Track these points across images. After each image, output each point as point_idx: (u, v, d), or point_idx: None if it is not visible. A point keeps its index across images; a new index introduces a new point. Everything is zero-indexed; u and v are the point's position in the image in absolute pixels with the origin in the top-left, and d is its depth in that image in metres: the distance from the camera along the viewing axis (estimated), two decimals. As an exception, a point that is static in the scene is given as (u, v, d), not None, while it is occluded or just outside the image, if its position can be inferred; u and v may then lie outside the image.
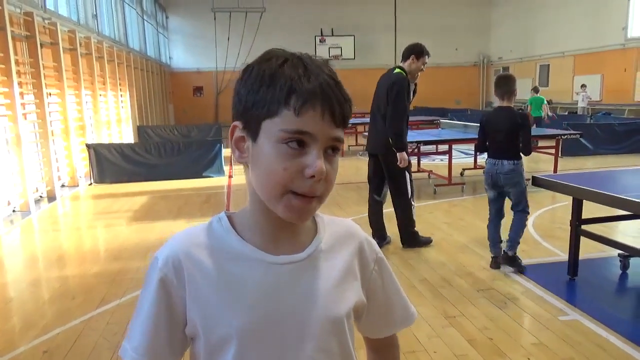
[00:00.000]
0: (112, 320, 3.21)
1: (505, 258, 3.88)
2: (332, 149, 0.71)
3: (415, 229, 4.49)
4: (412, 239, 4.45)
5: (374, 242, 0.88)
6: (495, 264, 3.92)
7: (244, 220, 0.78)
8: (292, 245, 0.77)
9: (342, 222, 0.87)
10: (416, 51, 4.22)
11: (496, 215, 3.92)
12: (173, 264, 0.74)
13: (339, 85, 0.72)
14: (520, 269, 3.83)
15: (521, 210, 3.78)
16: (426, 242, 4.54)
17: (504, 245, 3.91)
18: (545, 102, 12.10)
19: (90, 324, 3.18)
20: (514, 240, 3.82)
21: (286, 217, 0.72)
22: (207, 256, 0.75)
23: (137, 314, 0.76)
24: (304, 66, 0.70)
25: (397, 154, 4.14)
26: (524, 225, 3.83)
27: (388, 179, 4.36)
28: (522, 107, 17.36)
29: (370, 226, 4.54)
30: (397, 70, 4.25)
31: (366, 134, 10.22)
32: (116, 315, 3.29)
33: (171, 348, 0.76)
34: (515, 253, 3.85)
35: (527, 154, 3.80)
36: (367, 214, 4.64)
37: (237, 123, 0.74)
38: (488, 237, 3.97)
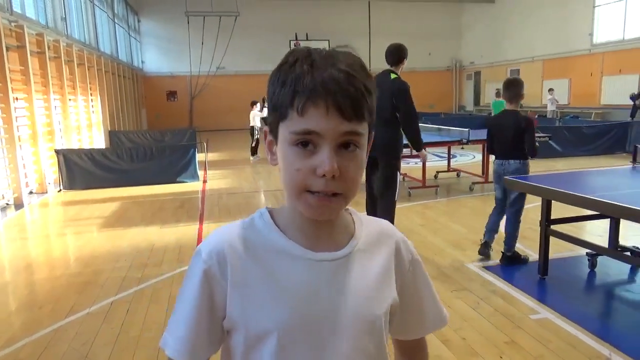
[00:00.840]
0: (82, 330, 3.12)
1: (505, 259, 4.06)
2: (348, 145, 0.70)
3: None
4: None
5: (410, 243, 0.88)
6: (485, 250, 4.17)
7: (284, 217, 0.78)
8: (331, 244, 0.77)
9: (378, 222, 0.87)
10: (405, 54, 4.35)
11: (501, 211, 4.19)
12: (217, 257, 0.74)
13: (350, 77, 0.68)
14: (524, 262, 4.06)
15: (516, 211, 4.03)
16: None
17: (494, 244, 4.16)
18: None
19: (59, 334, 3.08)
20: (510, 241, 4.04)
21: (308, 215, 0.73)
22: (250, 250, 0.75)
23: (179, 305, 0.77)
24: (311, 63, 0.69)
25: (418, 152, 4.55)
26: (517, 226, 4.04)
27: (382, 178, 4.39)
28: (491, 112, 17.67)
29: None
30: (393, 75, 4.30)
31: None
32: (86, 324, 3.20)
33: (210, 339, 0.77)
34: (513, 252, 4.05)
35: (532, 155, 4.00)
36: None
37: (266, 128, 0.76)
38: (486, 225, 4.23)
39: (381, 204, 4.41)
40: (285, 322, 0.73)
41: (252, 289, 0.74)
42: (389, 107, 4.24)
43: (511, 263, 4.02)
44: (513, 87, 4.06)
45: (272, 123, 0.74)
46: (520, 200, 4.02)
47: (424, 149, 4.57)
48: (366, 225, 0.83)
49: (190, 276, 0.76)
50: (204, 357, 0.77)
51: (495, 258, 4.16)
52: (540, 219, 3.75)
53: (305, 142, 0.69)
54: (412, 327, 0.90)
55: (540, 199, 3.72)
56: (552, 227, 3.67)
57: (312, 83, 0.67)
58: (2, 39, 6.87)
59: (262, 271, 0.74)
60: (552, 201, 3.62)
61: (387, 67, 4.35)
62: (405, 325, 0.89)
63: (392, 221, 4.32)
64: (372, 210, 4.56)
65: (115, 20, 16.57)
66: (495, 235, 4.21)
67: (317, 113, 0.67)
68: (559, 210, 3.74)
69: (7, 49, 7.11)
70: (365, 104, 0.70)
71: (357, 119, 0.69)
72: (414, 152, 8.45)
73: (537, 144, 4.04)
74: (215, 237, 0.78)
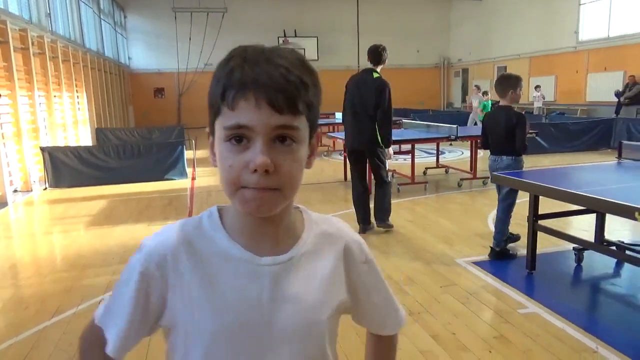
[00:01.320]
0: (69, 330, 3.08)
1: (494, 254, 4.08)
2: (283, 139, 0.68)
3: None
4: (384, 216, 4.97)
5: (363, 243, 0.86)
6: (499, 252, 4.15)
7: (231, 217, 0.77)
8: (276, 246, 0.75)
9: (329, 221, 0.85)
10: (385, 55, 4.76)
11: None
12: (158, 258, 0.74)
13: (285, 70, 0.66)
14: (512, 258, 4.09)
15: (507, 206, 4.06)
16: (389, 226, 5.03)
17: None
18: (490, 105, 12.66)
19: (45, 335, 3.04)
20: (499, 236, 4.07)
21: (245, 211, 0.71)
22: (194, 253, 0.74)
23: (117, 296, 0.77)
24: (244, 58, 0.68)
25: (386, 149, 4.78)
26: (507, 221, 4.08)
27: (373, 170, 4.87)
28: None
29: (358, 213, 4.99)
30: (376, 74, 4.69)
31: (331, 134, 10.25)
32: (72, 324, 3.16)
33: (140, 332, 0.77)
34: (502, 248, 4.08)
35: (520, 151, 4.00)
36: (330, 214, 4.78)
37: (207, 129, 0.75)
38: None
39: (379, 189, 4.90)
40: (224, 327, 0.72)
41: (192, 293, 0.73)
42: (372, 103, 4.62)
43: (500, 258, 4.05)
44: (502, 83, 4.11)
45: (210, 122, 0.73)
46: (511, 196, 4.04)
47: (390, 147, 4.86)
48: (316, 225, 0.81)
49: (129, 270, 0.76)
50: (132, 345, 0.78)
51: (484, 254, 4.19)
52: (527, 214, 3.78)
53: (239, 137, 0.67)
54: (372, 326, 0.91)
55: (527, 194, 3.75)
56: (540, 222, 3.71)
57: (242, 77, 0.66)
58: (-15, 35, 6.75)
59: (203, 275, 0.73)
60: (539, 197, 3.65)
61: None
62: (366, 324, 0.91)
63: (389, 201, 4.98)
64: (360, 200, 4.96)
65: (101, 16, 16.36)
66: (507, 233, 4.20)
67: (247, 106, 0.66)
68: (545, 205, 3.78)
69: (-10, 44, 6.99)
70: (301, 97, 0.68)
71: (291, 113, 0.67)
72: (402, 149, 8.52)
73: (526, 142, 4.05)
74: (161, 236, 0.77)
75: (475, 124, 12.75)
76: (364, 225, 4.94)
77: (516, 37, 18.93)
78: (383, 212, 4.97)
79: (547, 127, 10.85)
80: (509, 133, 3.98)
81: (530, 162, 8.95)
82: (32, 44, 8.78)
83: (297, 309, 0.75)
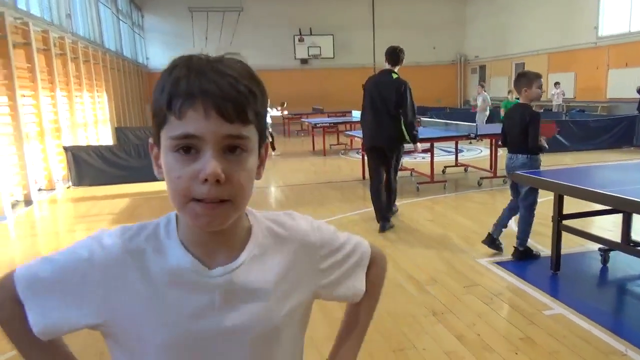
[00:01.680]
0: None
1: (517, 254, 4.04)
2: (233, 148, 0.67)
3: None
4: (390, 211, 5.23)
5: (313, 227, 0.83)
6: (487, 241, 4.19)
7: (185, 226, 0.74)
8: (228, 253, 0.74)
9: (278, 218, 0.82)
10: (402, 55, 4.99)
11: (512, 207, 4.15)
12: (105, 262, 0.72)
13: (232, 79, 0.66)
14: (536, 258, 4.05)
15: (528, 205, 3.97)
16: (395, 210, 5.41)
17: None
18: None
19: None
20: (522, 236, 4.02)
21: (196, 226, 0.69)
22: (144, 266, 0.72)
23: (50, 266, 0.74)
24: (187, 67, 0.66)
25: (415, 144, 5.02)
26: (530, 221, 3.99)
27: (391, 167, 5.05)
28: (499, 106, 17.63)
29: (376, 210, 5.14)
30: (395, 75, 4.93)
31: (349, 132, 10.26)
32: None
33: (73, 315, 0.73)
34: (525, 247, 4.03)
35: (530, 149, 3.93)
36: (349, 213, 5.32)
37: (150, 140, 0.73)
38: (498, 218, 4.21)
39: (391, 185, 5.09)
40: (174, 340, 0.72)
41: (139, 307, 0.71)
42: (393, 103, 4.83)
43: (523, 258, 4.01)
44: (518, 80, 4.04)
45: (154, 132, 0.70)
46: (531, 195, 3.98)
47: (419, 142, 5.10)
48: (265, 224, 0.79)
49: (78, 248, 0.74)
50: (64, 328, 0.74)
51: (507, 253, 4.16)
52: (551, 214, 3.74)
53: (187, 147, 0.65)
54: (346, 300, 0.91)
55: (549, 193, 3.71)
56: (564, 222, 3.66)
57: (189, 85, 0.65)
58: (8, 36, 6.88)
59: (153, 289, 0.71)
60: (564, 196, 3.60)
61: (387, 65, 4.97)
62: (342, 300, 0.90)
63: (395, 194, 5.19)
64: (380, 199, 5.09)
65: (119, 17, 16.55)
66: (503, 230, 4.19)
67: (195, 115, 0.64)
68: (568, 205, 3.73)
69: (14, 46, 7.12)
70: (250, 106, 0.67)
71: (241, 122, 0.66)
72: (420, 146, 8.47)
73: (542, 140, 3.96)
74: (112, 242, 0.73)
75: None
76: (383, 222, 5.00)
77: (534, 33, 18.65)
78: (390, 210, 5.20)
79: (568, 125, 10.68)
80: (523, 131, 3.92)
81: (551, 161, 8.84)
82: (54, 45, 8.92)
83: (251, 316, 0.74)
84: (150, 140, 0.73)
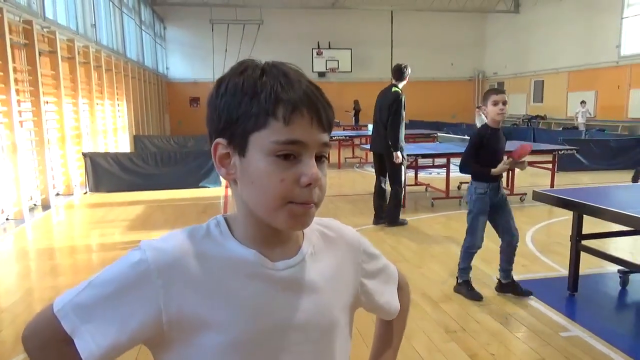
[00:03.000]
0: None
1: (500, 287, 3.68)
2: (321, 157, 0.71)
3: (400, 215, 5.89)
4: (394, 219, 5.76)
5: (361, 238, 0.88)
6: (509, 288, 3.66)
7: (239, 226, 0.75)
8: (284, 251, 0.76)
9: (323, 221, 0.86)
10: (407, 73, 5.55)
11: (502, 245, 3.66)
12: (165, 264, 0.69)
13: (320, 90, 0.71)
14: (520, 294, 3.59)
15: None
16: (402, 223, 5.79)
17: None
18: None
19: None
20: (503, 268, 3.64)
21: (288, 227, 0.71)
22: (206, 261, 0.71)
23: (99, 294, 0.69)
24: (284, 74, 0.69)
25: (394, 152, 5.43)
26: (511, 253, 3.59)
27: (389, 170, 5.63)
28: (517, 123, 17.47)
29: (375, 207, 5.87)
30: (395, 89, 5.47)
31: (364, 146, 10.34)
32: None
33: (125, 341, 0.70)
34: (508, 280, 3.63)
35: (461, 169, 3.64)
36: (363, 227, 5.68)
37: (220, 140, 0.72)
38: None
39: (392, 188, 5.65)
40: (241, 336, 0.71)
41: (206, 304, 0.70)
42: (386, 114, 5.42)
43: (508, 291, 3.65)
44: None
45: (234, 135, 0.69)
46: (470, 225, 3.65)
47: (400, 152, 5.45)
48: (312, 226, 0.80)
49: (123, 268, 0.70)
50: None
51: (523, 272, 4.08)
52: (569, 233, 3.66)
53: (288, 154, 0.67)
54: (381, 316, 0.96)
55: (566, 213, 3.63)
56: (583, 242, 3.58)
57: (296, 93, 0.68)
58: (36, 44, 7.06)
59: (218, 284, 0.71)
60: (583, 216, 3.53)
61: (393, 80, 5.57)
62: (374, 312, 0.93)
63: (399, 202, 5.74)
64: (379, 195, 5.82)
65: (142, 27, 16.89)
66: (511, 267, 3.67)
67: (303, 123, 0.67)
68: (585, 225, 3.64)
69: (40, 54, 7.30)
70: (333, 116, 0.73)
71: (330, 131, 0.72)
72: (435, 163, 8.44)
73: (466, 163, 3.56)
74: (167, 245, 0.72)
75: None
76: (376, 218, 5.84)
77: (555, 51, 18.52)
78: (391, 213, 5.75)
79: (587, 144, 10.54)
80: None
81: (570, 180, 8.72)
82: (78, 53, 9.13)
83: (310, 312, 0.75)
84: (220, 140, 0.72)
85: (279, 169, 0.68)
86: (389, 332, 0.98)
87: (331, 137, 0.75)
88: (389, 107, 5.34)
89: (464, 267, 3.67)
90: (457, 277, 3.73)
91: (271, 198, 0.68)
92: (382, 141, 5.52)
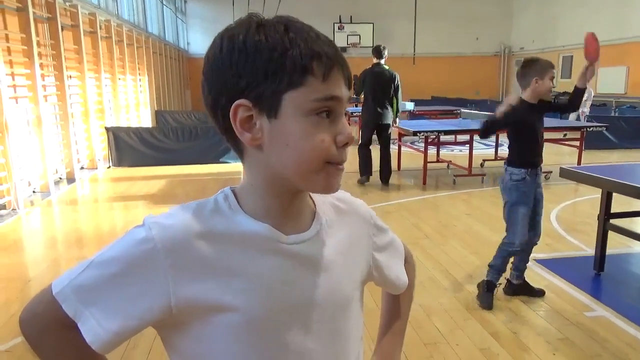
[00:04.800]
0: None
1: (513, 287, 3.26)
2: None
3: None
4: (389, 175, 6.80)
5: (367, 207, 0.85)
6: (525, 289, 3.26)
7: (249, 198, 0.70)
8: (298, 223, 0.72)
9: (335, 193, 0.80)
10: (384, 51, 6.64)
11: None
12: (172, 242, 0.64)
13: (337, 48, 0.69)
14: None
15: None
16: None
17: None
18: None
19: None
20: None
21: (325, 190, 0.69)
22: (216, 237, 0.67)
23: (101, 275, 0.64)
24: (310, 29, 0.66)
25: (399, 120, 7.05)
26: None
27: (387, 137, 6.64)
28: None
29: (361, 167, 6.71)
30: (387, 66, 6.59)
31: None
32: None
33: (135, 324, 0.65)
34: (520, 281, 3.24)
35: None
36: (376, 204, 5.72)
37: (243, 102, 0.64)
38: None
39: (387, 150, 6.67)
40: (255, 313, 0.66)
41: (216, 283, 0.65)
42: (390, 92, 6.46)
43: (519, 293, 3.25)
44: (528, 68, 3.01)
45: (263, 95, 0.63)
46: (509, 220, 3.12)
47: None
48: (325, 198, 0.78)
49: (127, 247, 0.65)
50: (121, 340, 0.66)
51: (548, 251, 4.00)
52: (595, 212, 3.56)
53: (329, 111, 0.65)
54: (389, 290, 0.93)
55: (592, 192, 3.52)
56: (612, 221, 3.48)
57: (330, 49, 0.65)
58: (58, 18, 7.09)
59: (228, 262, 0.66)
60: (612, 194, 3.42)
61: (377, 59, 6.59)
62: (383, 287, 0.92)
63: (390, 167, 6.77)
64: (365, 155, 6.68)
65: (163, 2, 16.81)
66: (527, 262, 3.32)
67: (338, 78, 0.66)
68: (613, 204, 3.52)
69: (62, 28, 7.33)
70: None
71: (350, 88, 0.70)
72: (457, 140, 8.28)
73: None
74: (173, 220, 0.67)
75: None
76: (365, 179, 6.72)
77: (585, 25, 17.76)
78: (388, 173, 6.75)
79: (617, 121, 10.20)
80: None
81: (597, 158, 8.49)
82: (100, 27, 9.15)
83: (326, 287, 0.72)
84: (243, 101, 0.64)
85: (319, 129, 0.64)
86: (397, 305, 0.97)
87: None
88: (392, 83, 6.43)
89: (493, 265, 3.14)
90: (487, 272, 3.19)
91: (309, 160, 0.65)
92: (388, 113, 6.48)
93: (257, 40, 0.63)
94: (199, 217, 0.68)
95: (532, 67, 2.97)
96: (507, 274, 3.25)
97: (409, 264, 0.93)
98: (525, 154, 3.04)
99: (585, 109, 11.92)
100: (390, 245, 0.87)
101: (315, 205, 0.76)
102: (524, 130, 3.04)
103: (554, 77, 3.00)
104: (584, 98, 3.86)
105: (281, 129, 0.65)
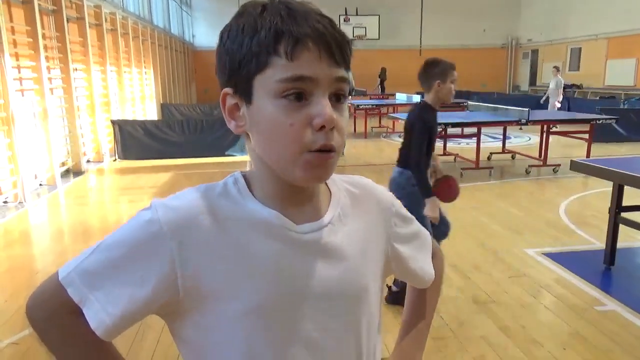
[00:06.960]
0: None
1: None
2: (339, 96, 0.63)
3: None
4: None
5: (389, 194, 0.80)
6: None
7: (260, 183, 0.68)
8: (311, 211, 0.69)
9: (352, 179, 0.78)
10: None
11: None
12: (177, 224, 0.62)
13: (333, 22, 0.63)
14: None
15: None
16: None
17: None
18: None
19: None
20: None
21: (306, 180, 0.64)
22: (222, 221, 0.64)
23: (109, 259, 0.62)
24: (287, 7, 0.61)
25: None
26: None
27: None
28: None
29: None
30: None
31: (392, 115, 10.28)
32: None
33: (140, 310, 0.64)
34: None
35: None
36: None
37: (227, 90, 0.65)
38: None
39: None
40: (261, 302, 0.64)
41: (222, 268, 0.63)
42: None
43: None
44: (430, 69, 2.78)
45: (239, 81, 0.63)
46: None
47: None
48: (340, 185, 0.74)
49: (134, 230, 0.63)
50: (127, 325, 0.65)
51: (556, 245, 3.96)
52: (605, 205, 3.51)
53: (298, 93, 0.60)
54: (411, 282, 0.88)
55: (602, 185, 3.47)
56: (623, 214, 3.43)
57: (299, 25, 0.60)
58: (63, 11, 7.07)
59: (236, 246, 0.64)
60: (623, 187, 3.37)
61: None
62: (404, 279, 0.87)
63: None
64: None
65: (168, -6, 16.75)
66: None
67: (309, 57, 0.59)
68: (626, 197, 3.48)
69: (68, 20, 7.31)
70: (350, 52, 0.64)
71: (345, 66, 0.63)
72: (464, 132, 8.23)
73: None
74: (179, 202, 0.65)
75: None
76: None
77: (594, 17, 17.61)
78: None
79: (626, 113, 10.07)
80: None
81: (606, 151, 8.40)
82: (105, 20, 9.12)
83: (339, 278, 0.69)
84: (227, 89, 0.65)
85: (287, 112, 0.60)
86: (422, 301, 0.91)
87: (351, 92, 0.67)
88: None
89: None
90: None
91: (282, 147, 0.61)
92: None
93: (235, 29, 0.63)
94: (207, 200, 0.66)
95: (434, 70, 2.75)
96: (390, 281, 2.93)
97: (436, 258, 0.89)
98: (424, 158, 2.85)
99: (556, 100, 11.78)
100: (415, 237, 0.83)
101: (330, 191, 0.72)
102: (432, 138, 2.86)
103: (455, 80, 2.78)
104: (552, 86, 3.66)
105: (255, 114, 0.63)
